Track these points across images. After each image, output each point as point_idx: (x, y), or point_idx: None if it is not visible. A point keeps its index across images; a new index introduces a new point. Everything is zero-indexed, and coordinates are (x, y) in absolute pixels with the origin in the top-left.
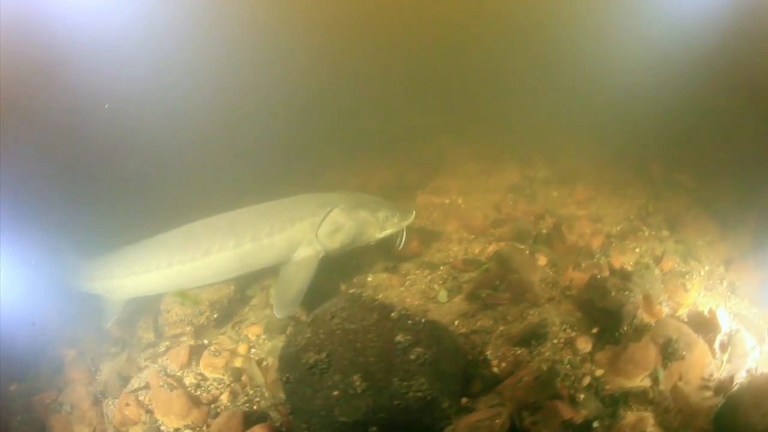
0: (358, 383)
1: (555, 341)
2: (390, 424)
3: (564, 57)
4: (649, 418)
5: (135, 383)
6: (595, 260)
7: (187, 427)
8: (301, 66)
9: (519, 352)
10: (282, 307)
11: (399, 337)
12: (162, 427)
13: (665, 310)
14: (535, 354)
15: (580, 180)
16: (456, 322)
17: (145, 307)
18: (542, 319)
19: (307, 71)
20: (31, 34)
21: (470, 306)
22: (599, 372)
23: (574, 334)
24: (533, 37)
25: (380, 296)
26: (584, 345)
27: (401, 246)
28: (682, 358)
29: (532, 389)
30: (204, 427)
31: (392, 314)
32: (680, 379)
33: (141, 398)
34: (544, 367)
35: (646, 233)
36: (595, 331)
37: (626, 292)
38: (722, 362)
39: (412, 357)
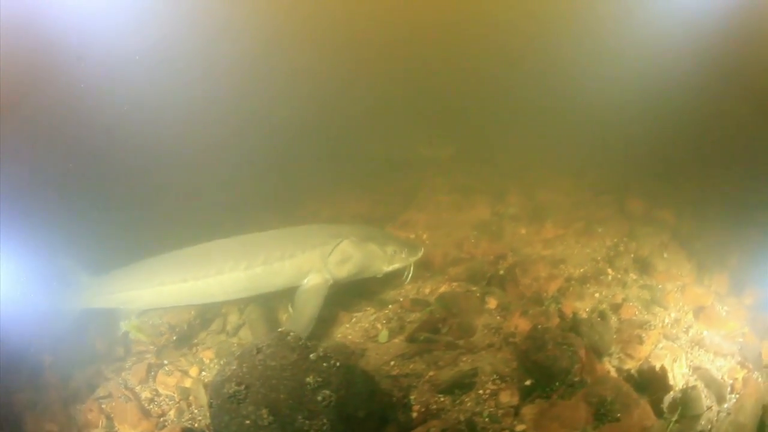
0: (266, 416)
1: (481, 391)
2: None
3: (550, 89)
4: None
5: (100, 392)
6: (544, 307)
7: None
8: (286, 103)
9: (442, 399)
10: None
11: (309, 378)
12: None
13: (614, 363)
14: (457, 403)
15: (552, 217)
16: (391, 363)
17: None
18: (473, 367)
19: (292, 109)
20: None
21: (408, 348)
22: (520, 427)
23: (503, 385)
24: (519, 69)
25: (321, 332)
26: (510, 398)
27: (407, 280)
28: (617, 419)
29: None
30: None
31: (311, 355)
32: None
33: (103, 406)
34: (461, 417)
35: (610, 277)
36: (528, 383)
37: (564, 346)
38: (670, 423)
39: (319, 398)
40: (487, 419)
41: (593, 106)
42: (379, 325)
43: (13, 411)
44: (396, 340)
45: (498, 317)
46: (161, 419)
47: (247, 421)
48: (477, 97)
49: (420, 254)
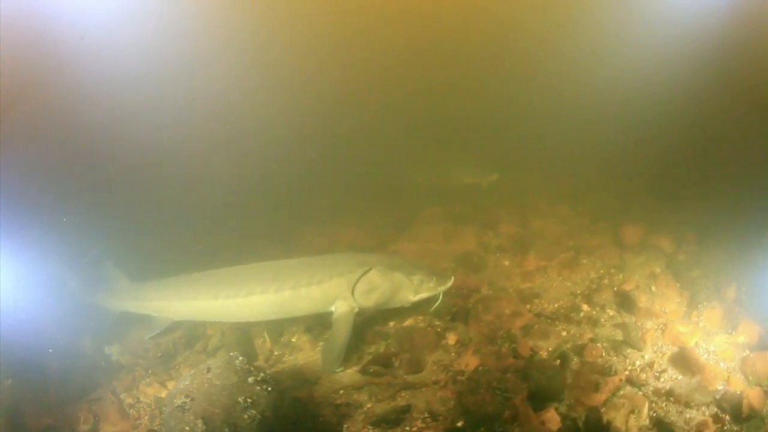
0: (200, 425)
1: (407, 428)
2: None
3: (551, 110)
4: None
5: (92, 395)
6: (497, 346)
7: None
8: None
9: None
10: (328, 364)
11: (241, 398)
12: (100, 430)
13: (561, 410)
14: None
15: (537, 247)
16: (340, 392)
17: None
18: (408, 403)
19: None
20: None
21: (360, 379)
22: None
23: (432, 424)
24: (519, 87)
25: (287, 358)
26: None
27: (434, 309)
28: None
29: None
30: None
31: (249, 379)
32: None
33: (93, 407)
34: None
35: (582, 313)
36: (459, 425)
37: (498, 391)
38: None
39: (246, 416)
40: None
41: (595, 124)
42: None
43: (18, 405)
44: (350, 370)
45: (453, 354)
46: (137, 422)
47: (187, 428)
48: (476, 124)
49: (449, 284)
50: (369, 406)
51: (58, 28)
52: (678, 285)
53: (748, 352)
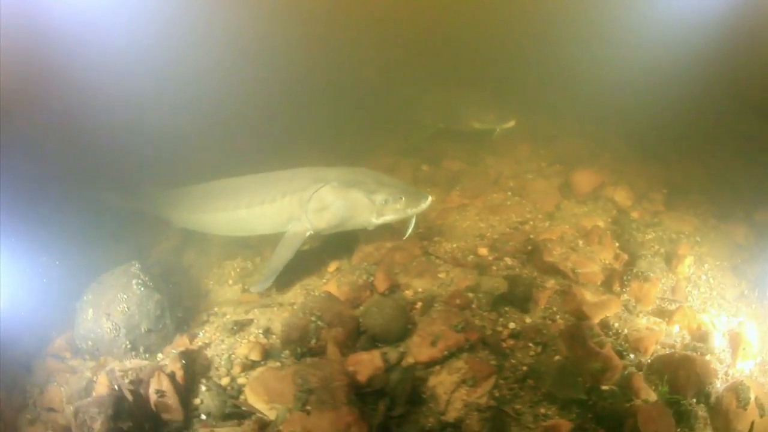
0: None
1: (239, 339)
2: None
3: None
4: None
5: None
6: (355, 276)
7: None
8: None
9: None
10: (258, 283)
11: (120, 295)
12: None
13: (389, 358)
14: None
15: (467, 184)
16: (221, 304)
17: None
18: (252, 318)
19: None
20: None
21: (240, 296)
22: None
23: (262, 339)
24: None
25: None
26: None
27: (406, 236)
28: None
29: None
30: None
31: (133, 281)
32: None
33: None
34: None
35: (471, 258)
36: (278, 344)
37: (314, 319)
38: None
39: (119, 309)
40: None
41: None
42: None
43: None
44: (237, 288)
45: (324, 280)
46: None
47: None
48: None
49: (423, 206)
50: (228, 316)
51: None
52: (617, 245)
53: (668, 349)
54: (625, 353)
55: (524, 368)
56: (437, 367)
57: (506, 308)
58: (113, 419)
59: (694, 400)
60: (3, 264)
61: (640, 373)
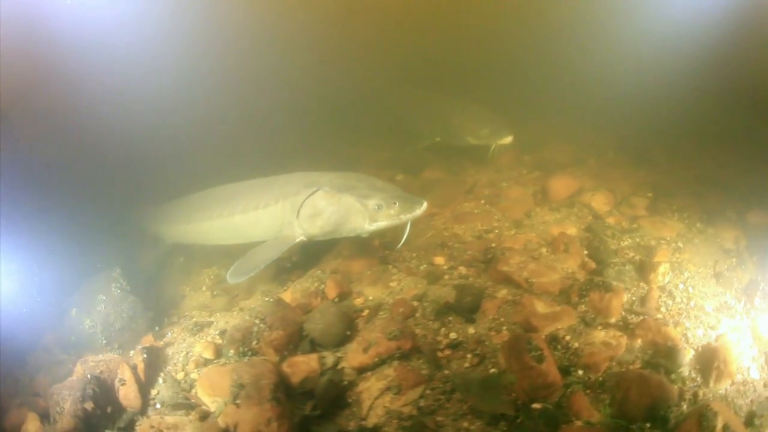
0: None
1: (199, 339)
2: None
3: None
4: None
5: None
6: (308, 284)
7: None
8: None
9: None
10: (235, 274)
11: (100, 296)
12: None
13: (327, 362)
14: None
15: (441, 194)
16: (192, 308)
17: None
18: (212, 320)
19: None
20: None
21: (207, 301)
22: None
23: (218, 340)
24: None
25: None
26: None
27: (401, 244)
28: None
29: None
30: None
31: (112, 285)
32: None
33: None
34: None
35: (424, 267)
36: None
37: (257, 322)
38: None
39: (98, 309)
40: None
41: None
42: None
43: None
44: (207, 292)
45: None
46: None
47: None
48: None
49: (418, 212)
50: (194, 319)
51: None
52: (585, 253)
53: (621, 368)
54: (572, 369)
55: (457, 380)
56: (368, 374)
57: (450, 318)
58: (80, 401)
59: (648, 425)
60: (4, 267)
61: (587, 392)
